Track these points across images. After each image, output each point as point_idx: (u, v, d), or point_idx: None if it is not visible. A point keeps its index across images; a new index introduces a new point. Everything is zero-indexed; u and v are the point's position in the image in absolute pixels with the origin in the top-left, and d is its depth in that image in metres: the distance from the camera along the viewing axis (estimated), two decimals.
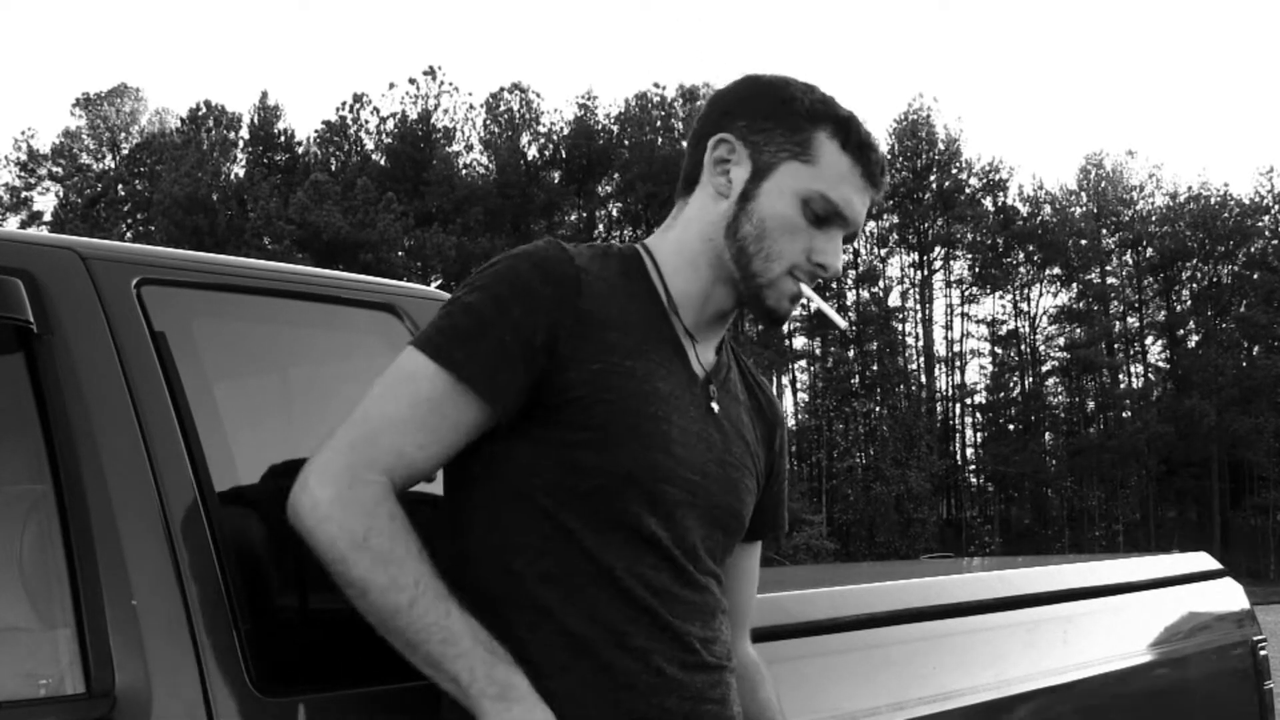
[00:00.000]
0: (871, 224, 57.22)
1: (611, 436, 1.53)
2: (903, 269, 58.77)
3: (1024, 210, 58.66)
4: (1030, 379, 58.60)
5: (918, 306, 58.54)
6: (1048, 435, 58.23)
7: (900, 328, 57.67)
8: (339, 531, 1.45)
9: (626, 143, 56.90)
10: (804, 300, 1.66)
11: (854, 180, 1.64)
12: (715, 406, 1.66)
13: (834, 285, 56.42)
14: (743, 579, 1.81)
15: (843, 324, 1.76)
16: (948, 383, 59.58)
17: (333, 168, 56.52)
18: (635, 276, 1.65)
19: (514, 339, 1.51)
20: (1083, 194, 58.82)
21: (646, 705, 1.53)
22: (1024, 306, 59.12)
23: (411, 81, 62.95)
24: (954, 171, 57.28)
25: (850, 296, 57.70)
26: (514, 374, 1.52)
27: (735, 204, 1.64)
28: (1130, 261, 59.52)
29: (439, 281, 49.65)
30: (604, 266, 1.61)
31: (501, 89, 58.84)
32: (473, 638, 1.45)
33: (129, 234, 55.26)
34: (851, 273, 56.43)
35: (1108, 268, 59.30)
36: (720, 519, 1.65)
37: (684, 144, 1.76)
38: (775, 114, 1.64)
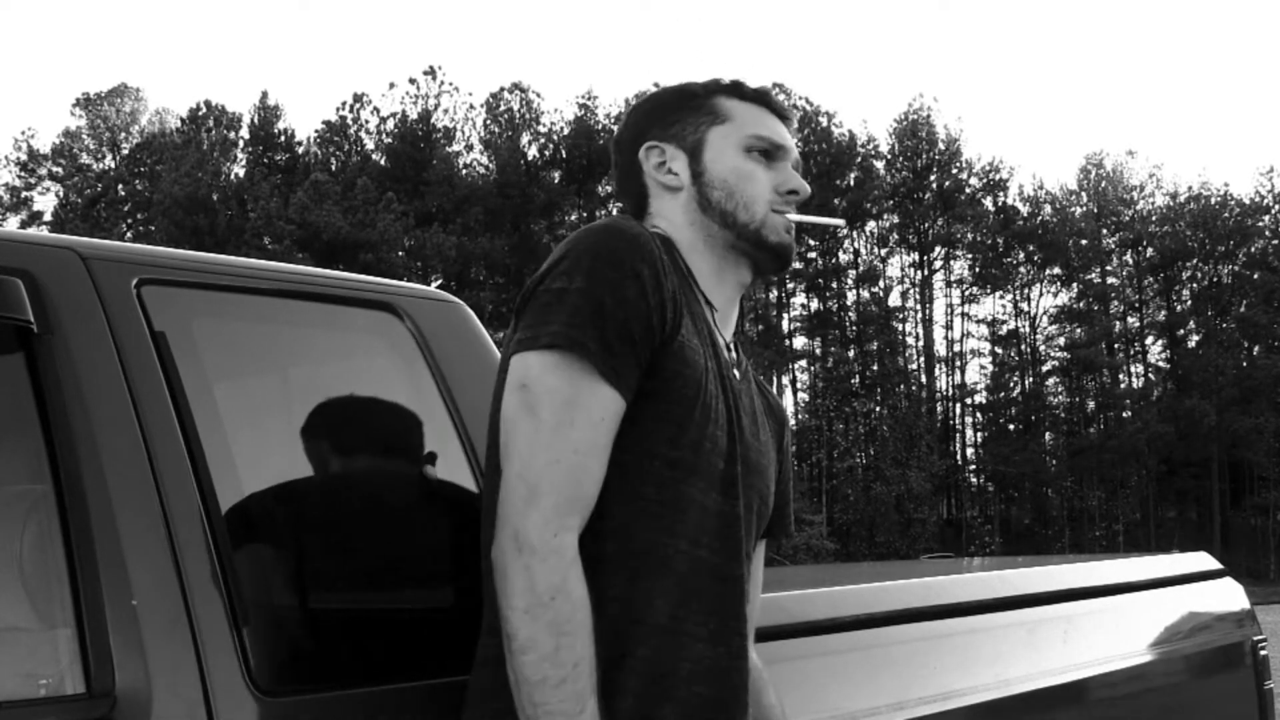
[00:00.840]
0: (871, 224, 57.25)
1: (686, 413, 1.55)
2: (903, 269, 58.84)
3: (1024, 210, 58.66)
4: (1030, 379, 58.59)
5: (918, 306, 58.59)
6: (1048, 435, 58.22)
7: (900, 328, 57.67)
8: (534, 583, 1.44)
9: None
10: (796, 223, 1.76)
11: (768, 118, 1.79)
12: (742, 393, 1.70)
13: (834, 285, 56.46)
14: (750, 579, 1.81)
15: (838, 221, 1.90)
16: (948, 383, 59.64)
17: (333, 168, 56.48)
18: (676, 260, 1.69)
19: (637, 324, 1.52)
20: (1083, 194, 58.82)
21: (688, 692, 1.53)
22: (1024, 306, 59.18)
23: (411, 81, 62.96)
24: (954, 171, 57.27)
25: (850, 296, 57.72)
26: (638, 359, 1.53)
27: (692, 186, 1.74)
28: (1130, 261, 59.52)
29: (439, 281, 49.66)
30: (660, 245, 1.64)
31: (501, 89, 58.88)
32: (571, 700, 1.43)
33: (129, 234, 55.25)
34: (852, 273, 56.43)
35: (1108, 268, 59.30)
36: (753, 501, 1.67)
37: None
38: (676, 106, 1.78)
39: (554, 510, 1.46)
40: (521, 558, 1.45)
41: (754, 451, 1.67)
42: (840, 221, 2.08)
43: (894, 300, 57.90)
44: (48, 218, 57.88)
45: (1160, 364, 59.40)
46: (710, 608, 1.56)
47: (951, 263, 58.79)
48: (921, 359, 58.35)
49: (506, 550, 1.46)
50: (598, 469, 1.50)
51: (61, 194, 59.86)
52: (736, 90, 1.79)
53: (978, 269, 58.20)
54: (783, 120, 1.80)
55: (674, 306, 1.57)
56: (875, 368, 55.90)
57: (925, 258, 58.15)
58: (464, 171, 57.18)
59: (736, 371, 1.71)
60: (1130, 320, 59.80)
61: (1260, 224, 57.25)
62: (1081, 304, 58.34)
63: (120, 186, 59.46)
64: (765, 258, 1.73)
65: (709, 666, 1.55)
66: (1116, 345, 59.19)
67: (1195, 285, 58.47)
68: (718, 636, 1.57)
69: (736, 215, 1.71)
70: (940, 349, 59.04)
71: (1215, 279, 57.72)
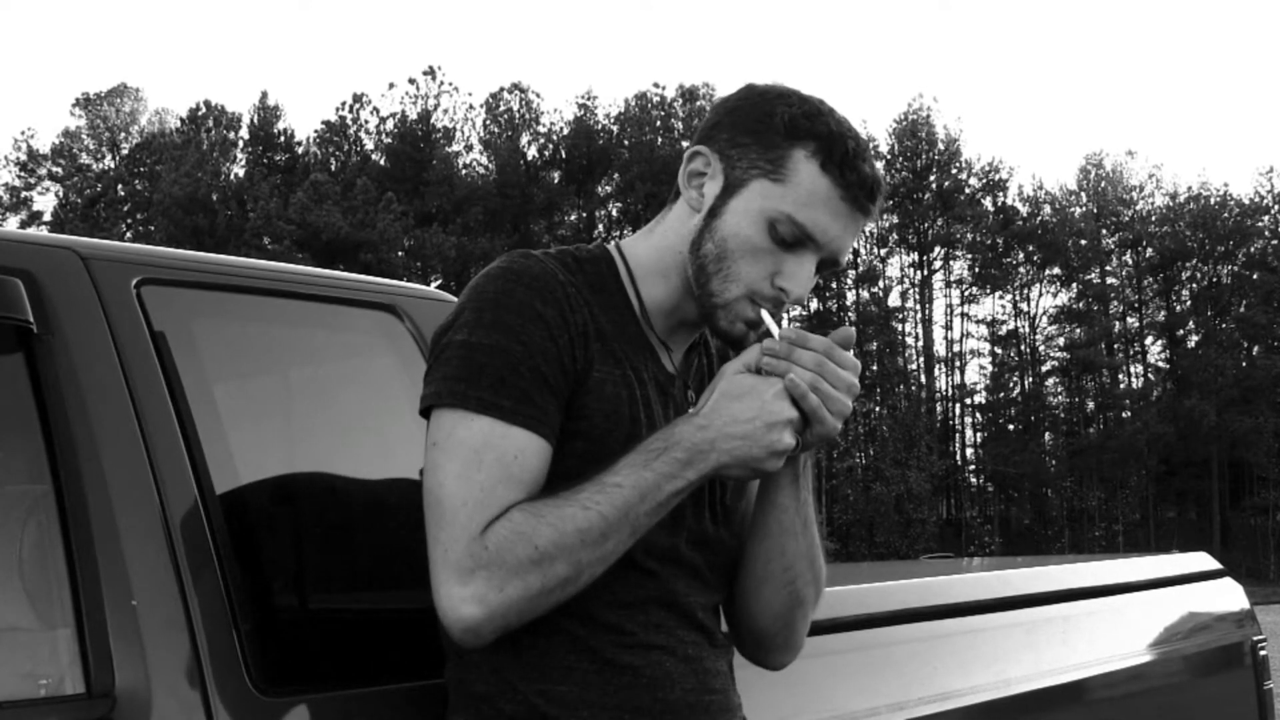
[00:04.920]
0: (871, 224, 56.96)
1: (606, 445, 1.52)
2: (903, 269, 58.81)
3: (1024, 210, 58.66)
4: (1030, 379, 58.59)
5: (918, 306, 58.57)
6: (1048, 435, 58.22)
7: (900, 328, 57.67)
8: (512, 602, 1.43)
9: (626, 143, 56.87)
10: (762, 327, 1.58)
11: (831, 203, 1.53)
12: (692, 409, 1.64)
13: (833, 285, 56.44)
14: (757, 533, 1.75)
15: (774, 346, 1.74)
16: (948, 383, 59.61)
17: (333, 168, 56.51)
18: (608, 285, 1.62)
19: (548, 367, 1.49)
20: (1083, 194, 58.81)
21: (651, 699, 1.53)
22: (1024, 306, 59.17)
23: (411, 81, 62.96)
24: (954, 171, 57.26)
25: (850, 296, 57.70)
26: (557, 400, 1.50)
27: (703, 219, 1.58)
28: (1130, 261, 59.51)
29: (439, 281, 49.65)
30: (578, 277, 1.59)
31: (501, 89, 58.92)
32: (631, 487, 1.44)
33: (129, 234, 55.25)
34: (851, 273, 56.39)
35: (1108, 268, 59.29)
36: (707, 513, 1.64)
37: (684, 144, 1.72)
38: (754, 129, 1.56)
39: (470, 559, 1.43)
40: (482, 607, 1.42)
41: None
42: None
43: (893, 300, 57.95)
44: (47, 218, 57.90)
45: (1160, 364, 59.42)
46: (654, 623, 1.55)
47: (951, 263, 58.82)
48: (921, 359, 58.37)
49: (468, 618, 1.43)
50: (508, 495, 1.45)
51: (61, 194, 59.90)
52: (824, 150, 1.53)
53: (977, 269, 58.20)
54: (857, 210, 1.55)
55: (584, 340, 1.52)
56: (875, 368, 55.87)
57: (925, 258, 58.14)
58: (464, 172, 57.20)
59: (690, 389, 1.65)
60: (1130, 320, 59.79)
61: (1260, 224, 57.24)
62: (1081, 304, 58.32)
63: (120, 186, 59.47)
64: (709, 327, 1.63)
65: (662, 675, 1.54)
66: (1116, 345, 59.20)
67: (1195, 285, 58.47)
68: (667, 647, 1.55)
69: (711, 280, 1.56)
70: (940, 349, 59.10)
71: (1215, 279, 57.71)
